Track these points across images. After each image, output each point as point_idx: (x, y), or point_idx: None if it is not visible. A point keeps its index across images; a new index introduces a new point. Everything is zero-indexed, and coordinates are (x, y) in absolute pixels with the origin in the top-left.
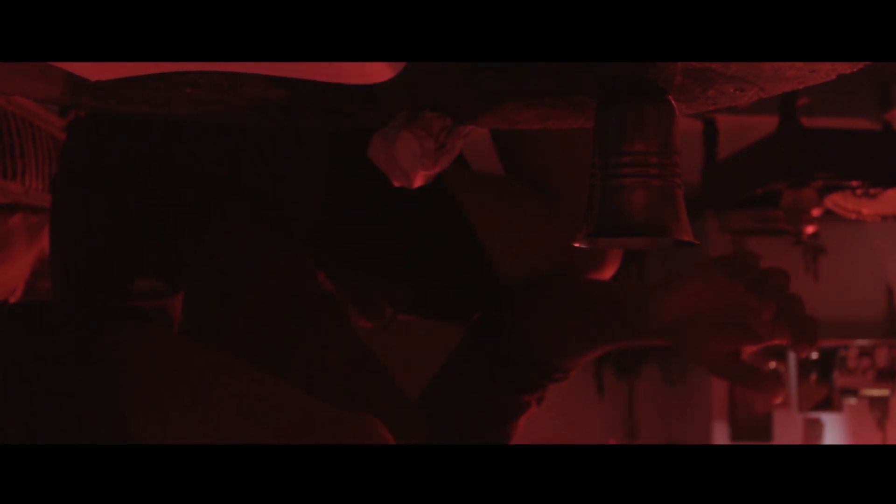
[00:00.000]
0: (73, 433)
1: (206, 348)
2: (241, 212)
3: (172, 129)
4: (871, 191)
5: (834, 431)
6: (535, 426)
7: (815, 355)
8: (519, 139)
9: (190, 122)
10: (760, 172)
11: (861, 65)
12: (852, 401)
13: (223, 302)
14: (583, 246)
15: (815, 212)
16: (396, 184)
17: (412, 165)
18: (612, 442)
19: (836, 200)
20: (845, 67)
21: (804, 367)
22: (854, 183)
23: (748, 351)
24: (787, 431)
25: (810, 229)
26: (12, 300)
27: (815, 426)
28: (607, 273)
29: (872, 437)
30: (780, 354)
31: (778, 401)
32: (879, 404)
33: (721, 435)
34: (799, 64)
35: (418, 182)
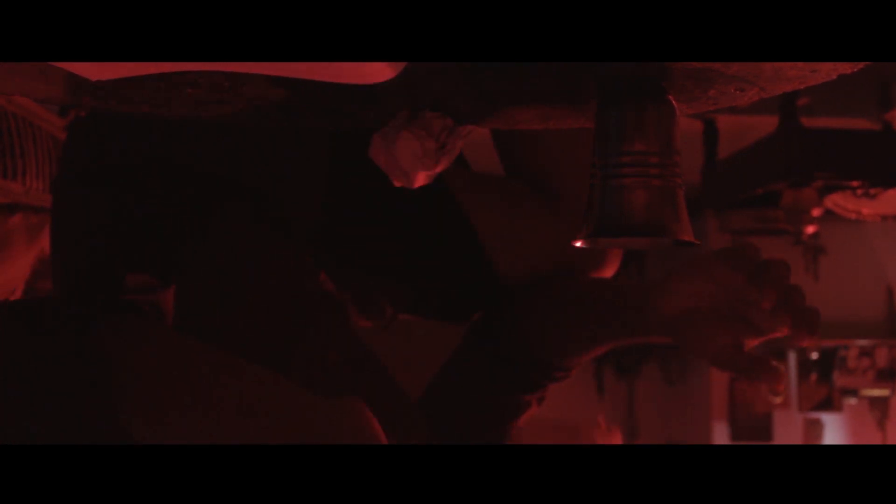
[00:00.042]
0: (72, 433)
1: (204, 347)
2: (241, 212)
3: (172, 129)
4: (871, 191)
5: (834, 431)
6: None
7: (815, 355)
8: (519, 139)
9: (190, 122)
10: (760, 172)
11: (861, 65)
12: (852, 401)
13: (223, 302)
14: (583, 246)
15: (815, 212)
16: (397, 184)
17: (412, 165)
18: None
19: (836, 200)
20: (846, 67)
21: (804, 367)
22: (854, 183)
23: (750, 345)
24: (787, 431)
25: (810, 229)
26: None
27: (815, 426)
28: (607, 273)
29: (872, 437)
30: (780, 354)
31: (780, 390)
32: (879, 404)
33: (721, 435)
34: (800, 64)
35: (419, 182)
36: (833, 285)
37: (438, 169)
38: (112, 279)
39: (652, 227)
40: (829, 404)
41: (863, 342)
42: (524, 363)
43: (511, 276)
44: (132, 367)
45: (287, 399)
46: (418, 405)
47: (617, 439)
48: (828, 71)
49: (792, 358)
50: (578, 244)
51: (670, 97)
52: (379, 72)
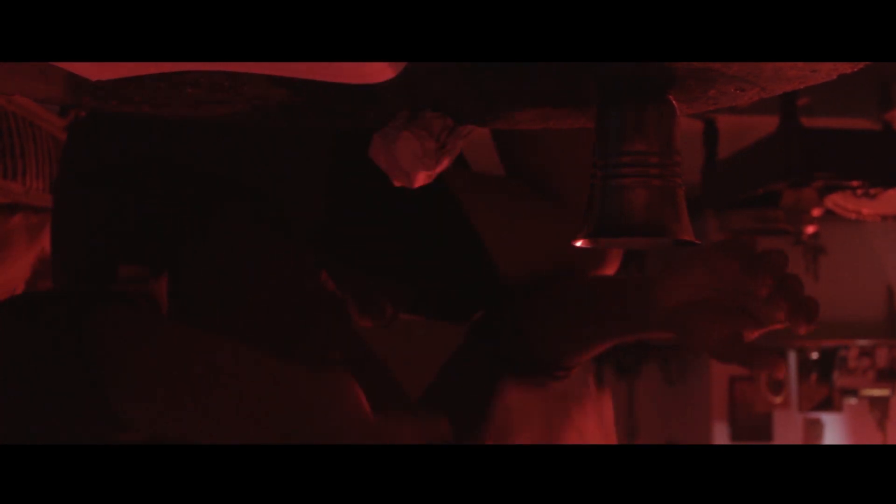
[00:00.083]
0: (71, 433)
1: (203, 343)
2: (241, 212)
3: (172, 129)
4: (871, 191)
5: (834, 431)
6: None
7: (815, 355)
8: (519, 139)
9: (190, 122)
10: (760, 172)
11: (861, 65)
12: (852, 401)
13: (223, 302)
14: (583, 246)
15: (815, 212)
16: (397, 184)
17: (413, 165)
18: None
19: (836, 200)
20: (846, 67)
21: (804, 367)
22: (854, 183)
23: (750, 337)
24: (787, 431)
25: (810, 229)
26: None
27: (815, 426)
28: (607, 273)
29: (872, 437)
30: (780, 354)
31: (780, 377)
32: (879, 404)
33: (721, 435)
34: (800, 64)
35: (419, 182)
36: (833, 285)
37: (439, 169)
38: (112, 279)
39: (652, 227)
40: (829, 404)
41: (863, 342)
42: (524, 363)
43: (511, 276)
44: (132, 367)
45: (274, 370)
46: (418, 405)
47: (608, 401)
48: (828, 71)
49: (792, 358)
50: (578, 244)
51: (670, 97)
52: (379, 72)
